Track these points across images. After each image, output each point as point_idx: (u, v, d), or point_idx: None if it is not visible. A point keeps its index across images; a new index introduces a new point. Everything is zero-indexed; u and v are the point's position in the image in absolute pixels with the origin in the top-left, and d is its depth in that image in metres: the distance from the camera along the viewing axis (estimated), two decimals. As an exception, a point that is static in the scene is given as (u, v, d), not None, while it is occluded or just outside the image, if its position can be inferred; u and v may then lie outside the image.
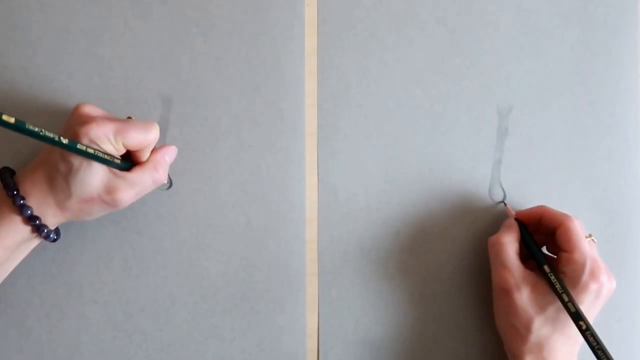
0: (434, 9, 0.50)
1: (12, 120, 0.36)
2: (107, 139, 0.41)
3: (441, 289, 0.49)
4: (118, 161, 0.43)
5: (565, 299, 0.41)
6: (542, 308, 0.43)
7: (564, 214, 0.45)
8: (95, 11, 0.49)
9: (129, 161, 0.44)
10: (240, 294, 0.48)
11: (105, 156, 0.41)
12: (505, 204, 0.49)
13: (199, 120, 0.49)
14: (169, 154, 0.46)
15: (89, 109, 0.43)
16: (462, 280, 0.49)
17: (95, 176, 0.41)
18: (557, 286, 0.42)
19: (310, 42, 0.50)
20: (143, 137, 0.43)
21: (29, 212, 0.41)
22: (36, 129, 0.38)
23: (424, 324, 0.49)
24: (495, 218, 0.49)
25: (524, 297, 0.43)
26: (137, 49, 0.49)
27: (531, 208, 0.47)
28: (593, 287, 0.42)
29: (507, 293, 0.43)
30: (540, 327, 0.43)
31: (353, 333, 0.49)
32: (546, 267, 0.43)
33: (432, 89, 0.50)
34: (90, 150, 0.40)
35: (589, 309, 0.42)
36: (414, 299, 0.49)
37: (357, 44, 0.50)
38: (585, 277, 0.42)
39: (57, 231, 0.45)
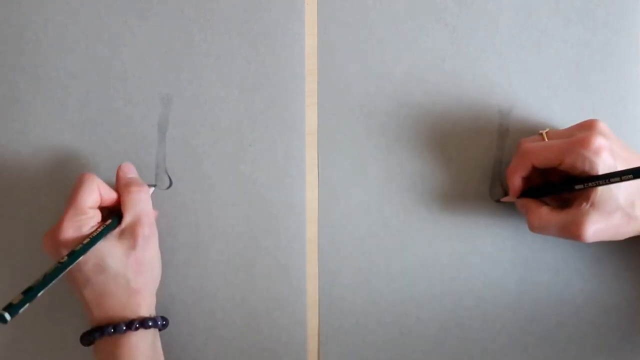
0: (435, 8, 0.50)
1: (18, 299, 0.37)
2: (79, 221, 0.42)
3: (442, 289, 0.49)
4: (108, 222, 0.43)
5: (616, 179, 0.40)
6: (613, 199, 0.41)
7: (518, 153, 0.45)
8: (95, 11, 0.49)
9: (117, 214, 0.44)
10: (241, 294, 0.48)
11: (99, 231, 0.42)
12: (499, 200, 0.49)
13: (198, 120, 0.49)
14: (126, 170, 0.46)
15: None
16: (463, 280, 0.49)
17: (113, 249, 0.42)
18: (600, 182, 0.41)
19: (311, 42, 0.50)
20: (89, 188, 0.43)
21: (123, 326, 0.41)
22: (40, 287, 0.38)
23: (425, 324, 0.49)
24: (496, 217, 0.49)
25: (598, 217, 0.41)
26: (137, 49, 0.49)
27: (510, 185, 0.46)
28: (598, 149, 0.41)
29: (591, 235, 0.42)
30: (632, 206, 0.42)
31: (353, 333, 0.49)
32: (578, 185, 0.42)
33: (433, 88, 0.50)
34: (87, 241, 0.41)
35: (616, 163, 0.41)
36: (414, 299, 0.49)
37: (357, 44, 0.50)
38: (589, 155, 0.41)
39: (162, 318, 0.45)
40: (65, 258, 0.40)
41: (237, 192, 0.48)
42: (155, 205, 0.48)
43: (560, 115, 0.50)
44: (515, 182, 0.45)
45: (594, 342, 0.49)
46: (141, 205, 0.44)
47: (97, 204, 0.43)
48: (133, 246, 0.42)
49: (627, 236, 0.43)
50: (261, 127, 0.49)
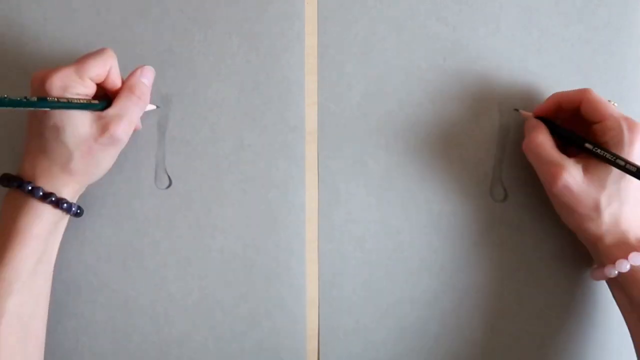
0: (435, 8, 0.50)
1: None
2: (72, 81, 0.41)
3: (442, 289, 0.49)
4: (95, 102, 0.42)
5: (621, 162, 0.41)
6: (601, 185, 0.42)
7: (579, 90, 0.45)
8: (94, 10, 0.48)
9: (107, 100, 0.43)
10: (240, 294, 0.48)
11: (81, 101, 0.41)
12: (518, 110, 0.49)
13: (198, 120, 0.48)
14: (143, 73, 0.45)
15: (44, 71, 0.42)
16: (464, 279, 0.49)
17: (81, 124, 0.41)
18: (607, 155, 0.41)
19: (311, 41, 0.49)
20: (102, 61, 0.42)
21: (40, 192, 0.41)
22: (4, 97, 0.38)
23: (425, 324, 0.49)
24: (497, 217, 0.49)
25: (580, 181, 0.42)
26: (136, 48, 0.48)
27: (545, 101, 0.46)
28: (637, 141, 0.42)
29: (563, 185, 0.43)
30: (607, 203, 0.42)
31: (353, 333, 0.49)
32: (588, 145, 0.43)
33: (433, 87, 0.49)
34: (64, 100, 0.40)
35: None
36: (414, 299, 0.49)
37: (357, 43, 0.49)
38: (626, 136, 0.42)
39: (79, 207, 0.44)
40: (35, 99, 0.39)
41: (237, 192, 0.48)
42: (154, 205, 0.48)
43: (561, 114, 0.50)
44: (551, 101, 0.46)
45: (595, 341, 0.49)
46: (132, 110, 0.43)
47: (100, 80, 0.43)
48: (95, 137, 0.41)
49: (580, 229, 0.44)
50: (261, 126, 0.49)
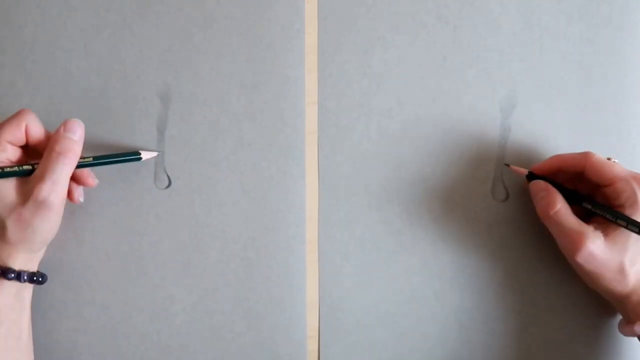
0: (436, 6, 0.49)
1: None
2: None
3: (443, 290, 0.49)
4: (16, 168, 0.41)
5: (623, 223, 0.41)
6: (623, 247, 0.42)
7: (580, 154, 0.44)
8: (93, 8, 0.48)
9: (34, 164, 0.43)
10: (240, 295, 0.48)
11: (1, 168, 0.41)
12: (509, 166, 0.48)
13: (197, 119, 0.48)
14: (66, 127, 0.42)
15: None
16: (464, 280, 0.49)
17: (5, 192, 0.41)
18: (620, 220, 0.42)
19: (311, 40, 0.49)
20: (15, 122, 0.41)
21: None
22: None
23: (426, 325, 0.48)
24: (498, 217, 0.49)
25: (602, 247, 0.42)
26: (136, 47, 0.48)
27: (546, 161, 0.46)
28: None
29: (587, 254, 0.42)
30: (631, 264, 0.42)
31: (354, 334, 0.48)
32: (599, 210, 0.43)
33: (434, 86, 0.49)
34: None
35: None
36: (415, 299, 0.48)
37: (357, 41, 0.49)
38: (639, 196, 0.42)
39: (37, 274, 0.44)
40: None
41: (237, 192, 0.48)
42: (153, 205, 0.48)
43: (563, 114, 0.49)
44: (552, 163, 0.45)
45: (595, 339, 0.49)
46: (53, 168, 0.41)
47: (20, 142, 0.42)
48: (22, 203, 0.40)
49: (606, 291, 0.44)
50: (261, 126, 0.49)
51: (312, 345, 0.48)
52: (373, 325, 0.48)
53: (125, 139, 0.48)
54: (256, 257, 0.48)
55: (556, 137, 0.49)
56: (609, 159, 0.45)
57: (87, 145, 0.48)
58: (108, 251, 0.47)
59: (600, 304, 0.48)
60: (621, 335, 0.48)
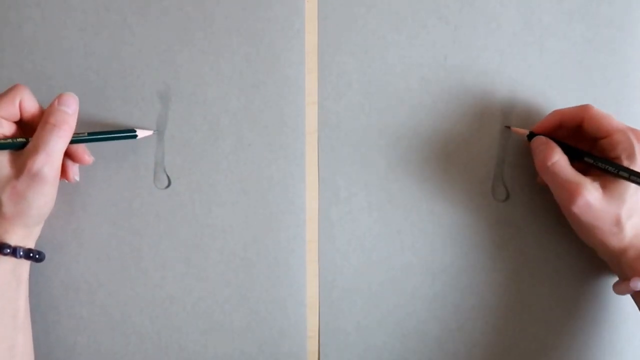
0: (436, 6, 0.49)
1: None
2: None
3: (443, 290, 0.48)
4: (9, 141, 0.41)
5: (625, 174, 0.41)
6: (621, 199, 0.42)
7: (579, 107, 0.44)
8: (93, 7, 0.48)
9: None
10: (240, 295, 0.48)
11: None
12: (510, 128, 0.48)
13: (197, 119, 0.48)
14: (61, 101, 0.42)
15: None
16: (465, 280, 0.48)
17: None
18: (622, 172, 0.41)
19: (311, 39, 0.49)
20: (10, 97, 0.41)
21: None
22: None
23: (426, 325, 0.48)
24: (498, 216, 0.49)
25: (599, 198, 0.42)
26: (135, 47, 0.48)
27: (545, 118, 0.46)
28: None
29: (583, 203, 0.42)
30: (628, 216, 0.42)
31: (354, 334, 0.48)
32: (601, 164, 0.42)
33: (434, 86, 0.49)
34: None
35: None
36: (415, 300, 0.48)
37: (358, 41, 0.49)
38: (636, 147, 0.42)
39: (34, 251, 0.43)
40: None
41: (237, 192, 0.48)
42: (153, 205, 0.48)
43: (563, 113, 0.49)
44: (552, 119, 0.45)
45: (600, 342, 0.48)
46: (47, 140, 0.40)
47: (14, 118, 0.42)
48: (16, 175, 0.40)
49: (602, 245, 0.44)
50: (260, 126, 0.48)
51: (312, 346, 0.48)
52: (373, 325, 0.48)
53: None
54: (256, 257, 0.48)
55: (557, 137, 0.49)
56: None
57: (87, 145, 0.48)
58: (108, 251, 0.47)
59: (603, 306, 0.48)
60: (623, 335, 0.48)
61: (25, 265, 0.43)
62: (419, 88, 0.49)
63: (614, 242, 0.43)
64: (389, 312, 0.48)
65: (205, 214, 0.48)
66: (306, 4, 0.49)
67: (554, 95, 0.49)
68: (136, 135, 0.46)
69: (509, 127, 0.48)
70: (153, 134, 0.47)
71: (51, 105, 0.42)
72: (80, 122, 0.48)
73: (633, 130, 0.43)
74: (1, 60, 0.48)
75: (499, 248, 0.49)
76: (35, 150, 0.40)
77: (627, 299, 0.47)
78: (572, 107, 0.45)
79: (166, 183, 0.48)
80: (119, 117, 0.48)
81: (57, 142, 0.41)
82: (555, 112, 0.46)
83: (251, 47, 0.49)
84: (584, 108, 0.44)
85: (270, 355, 0.48)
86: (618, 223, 0.42)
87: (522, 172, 0.49)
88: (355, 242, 0.48)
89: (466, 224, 0.49)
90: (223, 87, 0.48)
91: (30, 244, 0.44)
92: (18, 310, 0.42)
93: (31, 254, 0.43)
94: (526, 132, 0.47)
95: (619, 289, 0.45)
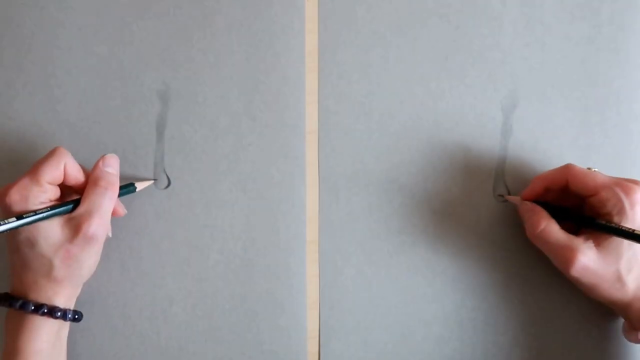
0: (437, 5, 0.49)
1: None
2: (30, 190, 0.40)
3: (444, 290, 0.48)
4: (60, 205, 0.42)
5: (630, 230, 0.40)
6: (617, 255, 0.42)
7: (560, 168, 0.44)
8: (92, 7, 0.48)
9: (76, 199, 0.43)
10: (240, 295, 0.48)
11: (45, 208, 0.41)
12: (503, 196, 0.48)
13: (197, 119, 0.48)
14: (106, 162, 0.44)
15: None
16: (465, 280, 0.48)
17: (51, 231, 0.41)
18: (614, 226, 0.41)
19: (311, 39, 0.49)
20: (55, 162, 0.42)
21: (31, 306, 0.41)
22: None
23: (427, 325, 0.48)
24: (499, 216, 0.49)
25: (595, 258, 0.42)
26: (135, 46, 0.48)
27: (530, 185, 0.46)
28: (638, 203, 0.41)
29: (580, 267, 0.42)
30: (628, 270, 0.42)
31: (354, 335, 0.48)
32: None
33: (435, 86, 0.49)
34: (30, 213, 0.40)
35: None
36: (416, 300, 0.48)
37: (358, 41, 0.49)
38: (625, 202, 0.41)
39: (75, 312, 0.44)
40: (2, 222, 0.39)
41: (237, 192, 0.48)
42: (153, 205, 0.48)
43: (565, 113, 0.49)
44: (537, 186, 0.45)
45: (596, 340, 0.48)
46: (100, 203, 0.42)
47: (58, 181, 0.42)
48: (70, 239, 0.41)
49: (607, 301, 0.44)
50: (261, 125, 0.48)
51: (312, 346, 0.48)
52: (373, 325, 0.48)
53: (124, 139, 0.48)
54: (256, 257, 0.48)
55: (558, 136, 0.49)
56: (589, 168, 0.44)
57: (85, 145, 0.48)
58: (108, 251, 0.47)
59: (602, 305, 0.48)
60: (623, 336, 0.48)
61: (65, 327, 0.44)
62: (419, 87, 0.49)
63: (618, 296, 0.43)
64: (389, 313, 0.48)
65: (205, 214, 0.48)
66: (306, 4, 0.49)
67: (556, 94, 0.49)
68: (135, 189, 0.46)
69: (502, 196, 0.48)
70: (153, 183, 0.48)
71: (96, 167, 0.43)
72: (79, 121, 0.48)
73: (619, 183, 0.42)
74: (1, 61, 0.48)
75: (499, 248, 0.48)
76: (89, 214, 0.41)
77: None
78: (554, 170, 0.45)
79: (166, 183, 0.48)
80: (119, 117, 0.48)
81: (108, 204, 0.43)
82: (536, 178, 0.46)
83: (251, 47, 0.49)
84: (565, 169, 0.44)
85: (271, 356, 0.48)
86: (619, 279, 0.42)
87: (523, 172, 0.49)
88: (356, 242, 0.48)
89: (467, 223, 0.49)
90: (223, 87, 0.48)
91: (73, 304, 0.44)
92: None
93: (76, 316, 0.44)
94: (519, 200, 0.47)
95: (629, 337, 0.45)
